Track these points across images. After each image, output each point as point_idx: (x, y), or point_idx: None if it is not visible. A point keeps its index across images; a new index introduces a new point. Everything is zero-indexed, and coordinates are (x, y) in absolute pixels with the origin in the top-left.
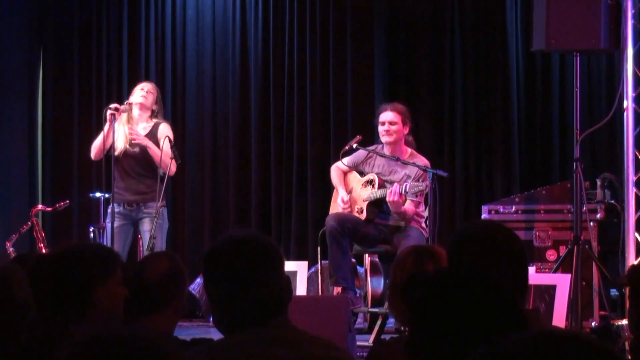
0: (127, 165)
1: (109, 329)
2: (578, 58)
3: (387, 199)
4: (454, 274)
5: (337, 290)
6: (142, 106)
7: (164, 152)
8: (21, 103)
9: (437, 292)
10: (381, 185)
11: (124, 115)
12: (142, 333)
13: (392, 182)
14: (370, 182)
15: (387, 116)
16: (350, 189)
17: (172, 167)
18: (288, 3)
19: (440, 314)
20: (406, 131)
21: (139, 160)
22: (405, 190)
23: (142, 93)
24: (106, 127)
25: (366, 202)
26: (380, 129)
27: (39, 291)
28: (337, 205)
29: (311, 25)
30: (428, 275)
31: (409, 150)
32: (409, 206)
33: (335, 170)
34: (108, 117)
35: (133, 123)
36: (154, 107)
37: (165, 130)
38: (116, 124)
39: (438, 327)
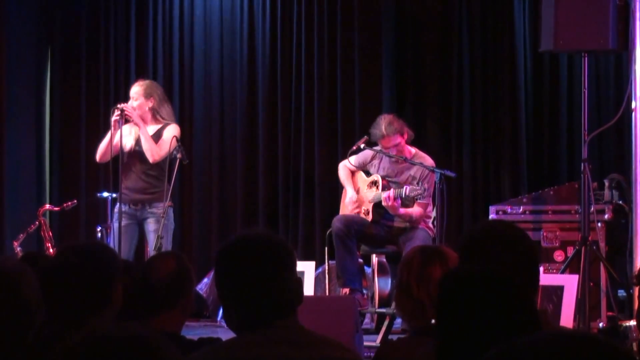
0: (134, 165)
1: (106, 329)
2: (586, 59)
3: (383, 203)
4: (475, 274)
5: (345, 291)
6: (134, 115)
7: (156, 149)
8: (29, 102)
9: (459, 291)
10: (385, 187)
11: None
12: (140, 333)
13: (397, 183)
14: (375, 183)
15: (390, 142)
16: (357, 189)
17: (155, 155)
18: (296, 3)
19: (462, 313)
20: (406, 136)
21: (145, 160)
22: (405, 194)
23: (130, 102)
24: (110, 132)
25: (372, 204)
26: (385, 149)
27: (53, 291)
28: (346, 205)
29: (319, 26)
30: (456, 275)
31: (414, 150)
32: (416, 209)
33: (343, 168)
34: (112, 122)
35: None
36: (149, 105)
37: (169, 132)
38: (126, 125)
39: (461, 325)
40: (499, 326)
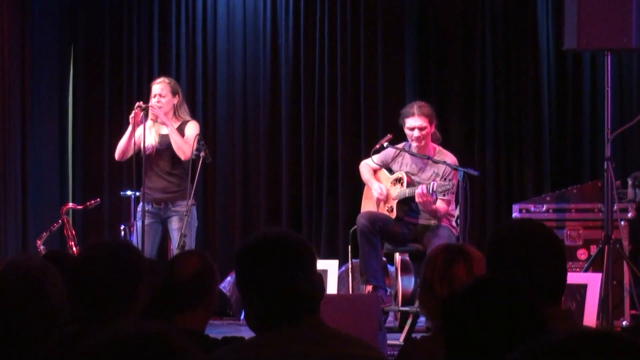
0: (156, 164)
1: (129, 327)
2: (609, 57)
3: (417, 199)
4: (476, 295)
5: (368, 288)
6: (158, 112)
7: (187, 146)
8: (52, 101)
9: (462, 314)
10: (410, 184)
11: (149, 118)
12: (163, 331)
13: (420, 181)
14: (399, 181)
15: (415, 122)
16: None
17: (187, 152)
18: (319, 1)
19: (467, 332)
20: (433, 129)
21: (167, 160)
22: (432, 189)
23: (155, 100)
24: (129, 129)
25: (396, 201)
26: (409, 133)
27: (78, 289)
28: (373, 195)
29: (342, 24)
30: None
31: (437, 147)
32: (441, 205)
33: (365, 166)
34: (130, 120)
35: (159, 124)
36: (174, 102)
37: (192, 129)
38: (147, 124)
39: (467, 342)
40: (505, 338)
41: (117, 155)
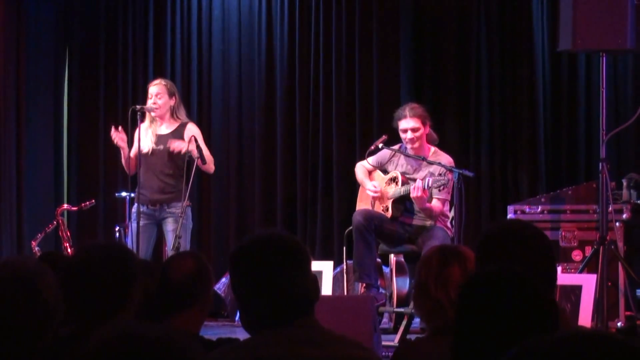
0: (152, 165)
1: (131, 328)
2: (604, 58)
3: (411, 194)
4: (496, 277)
5: (362, 289)
6: (157, 112)
7: (190, 149)
8: (47, 102)
9: (480, 296)
10: (404, 183)
11: (147, 119)
12: (165, 333)
13: (415, 180)
14: (394, 180)
15: (408, 124)
16: None
17: (211, 165)
18: (314, 3)
19: (482, 317)
20: (427, 131)
21: (163, 160)
22: (428, 185)
23: (152, 101)
24: (121, 152)
25: (391, 200)
26: (403, 135)
27: (72, 290)
28: (368, 194)
29: (337, 25)
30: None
31: (433, 148)
32: (436, 204)
33: (360, 167)
34: (115, 143)
35: (156, 125)
36: (171, 104)
37: (193, 131)
38: (143, 125)
39: (480, 328)
40: (518, 328)
41: (128, 173)
